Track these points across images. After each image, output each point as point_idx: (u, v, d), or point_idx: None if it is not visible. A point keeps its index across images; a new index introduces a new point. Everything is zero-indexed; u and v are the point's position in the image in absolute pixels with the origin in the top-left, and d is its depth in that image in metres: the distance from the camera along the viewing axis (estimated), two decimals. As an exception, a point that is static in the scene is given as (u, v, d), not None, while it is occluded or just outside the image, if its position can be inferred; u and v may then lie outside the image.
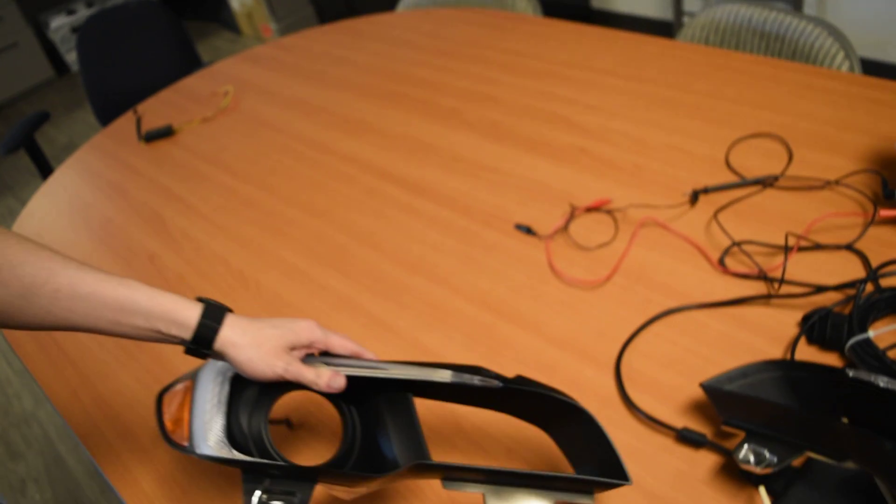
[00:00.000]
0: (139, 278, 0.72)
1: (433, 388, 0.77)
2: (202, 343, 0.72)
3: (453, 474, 0.70)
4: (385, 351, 1.00)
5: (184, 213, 1.39)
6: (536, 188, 1.22)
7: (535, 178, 1.24)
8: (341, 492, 0.73)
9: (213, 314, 0.73)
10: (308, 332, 0.75)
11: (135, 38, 2.38)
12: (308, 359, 0.77)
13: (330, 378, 0.74)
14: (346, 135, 1.51)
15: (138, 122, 1.75)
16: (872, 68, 2.61)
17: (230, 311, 0.75)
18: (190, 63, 2.44)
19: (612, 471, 0.69)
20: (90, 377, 1.08)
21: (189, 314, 0.71)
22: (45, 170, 2.26)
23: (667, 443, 0.81)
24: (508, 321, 1.00)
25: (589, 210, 1.14)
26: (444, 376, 0.75)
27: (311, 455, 0.82)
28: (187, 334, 0.71)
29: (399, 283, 1.11)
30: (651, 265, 1.02)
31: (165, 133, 1.69)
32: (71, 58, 4.70)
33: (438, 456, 0.86)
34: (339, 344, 0.77)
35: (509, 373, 0.77)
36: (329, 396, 0.78)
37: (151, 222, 1.39)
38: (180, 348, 0.73)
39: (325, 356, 0.78)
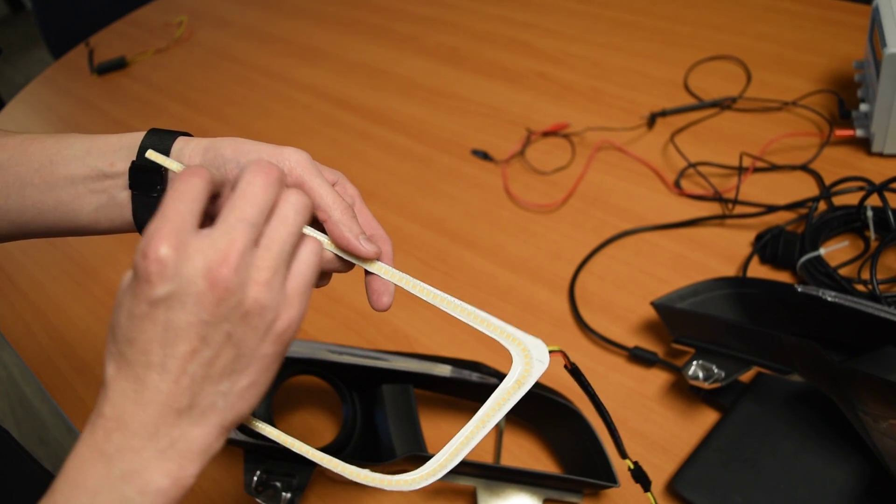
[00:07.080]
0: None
1: (433, 381, 0.78)
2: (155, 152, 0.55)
3: None
4: (337, 279, 0.99)
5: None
6: (494, 114, 1.20)
7: (492, 103, 1.22)
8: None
9: (164, 131, 0.58)
10: (297, 158, 0.53)
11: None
12: None
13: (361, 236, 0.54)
14: (302, 63, 1.48)
15: (90, 54, 1.69)
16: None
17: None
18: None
19: (601, 472, 0.71)
20: (43, 310, 1.06)
21: (135, 136, 0.56)
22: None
23: (619, 362, 0.82)
24: (464, 246, 0.99)
25: (546, 134, 1.12)
26: (444, 371, 0.76)
27: (313, 439, 0.81)
28: (134, 155, 0.55)
29: (354, 211, 1.09)
30: (607, 188, 1.02)
31: (118, 65, 1.64)
32: (26, -7, 4.56)
33: (435, 448, 0.85)
34: (327, 198, 0.52)
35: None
36: (333, 382, 0.80)
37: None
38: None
39: None
